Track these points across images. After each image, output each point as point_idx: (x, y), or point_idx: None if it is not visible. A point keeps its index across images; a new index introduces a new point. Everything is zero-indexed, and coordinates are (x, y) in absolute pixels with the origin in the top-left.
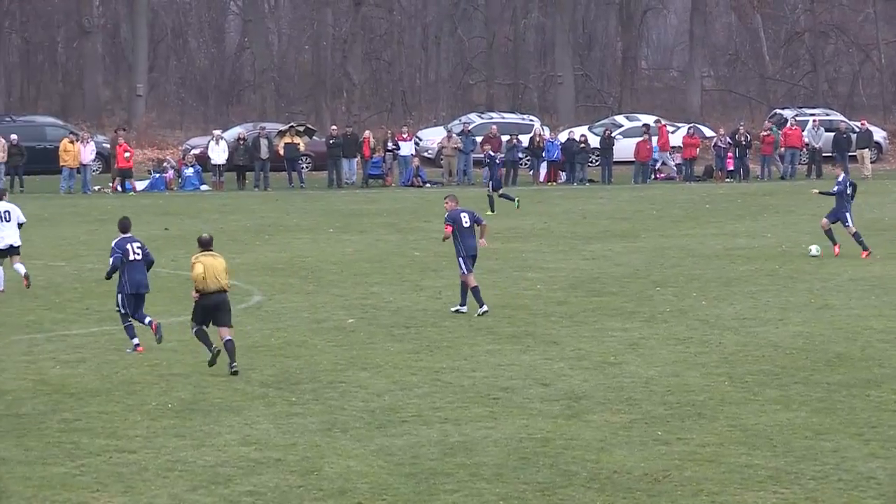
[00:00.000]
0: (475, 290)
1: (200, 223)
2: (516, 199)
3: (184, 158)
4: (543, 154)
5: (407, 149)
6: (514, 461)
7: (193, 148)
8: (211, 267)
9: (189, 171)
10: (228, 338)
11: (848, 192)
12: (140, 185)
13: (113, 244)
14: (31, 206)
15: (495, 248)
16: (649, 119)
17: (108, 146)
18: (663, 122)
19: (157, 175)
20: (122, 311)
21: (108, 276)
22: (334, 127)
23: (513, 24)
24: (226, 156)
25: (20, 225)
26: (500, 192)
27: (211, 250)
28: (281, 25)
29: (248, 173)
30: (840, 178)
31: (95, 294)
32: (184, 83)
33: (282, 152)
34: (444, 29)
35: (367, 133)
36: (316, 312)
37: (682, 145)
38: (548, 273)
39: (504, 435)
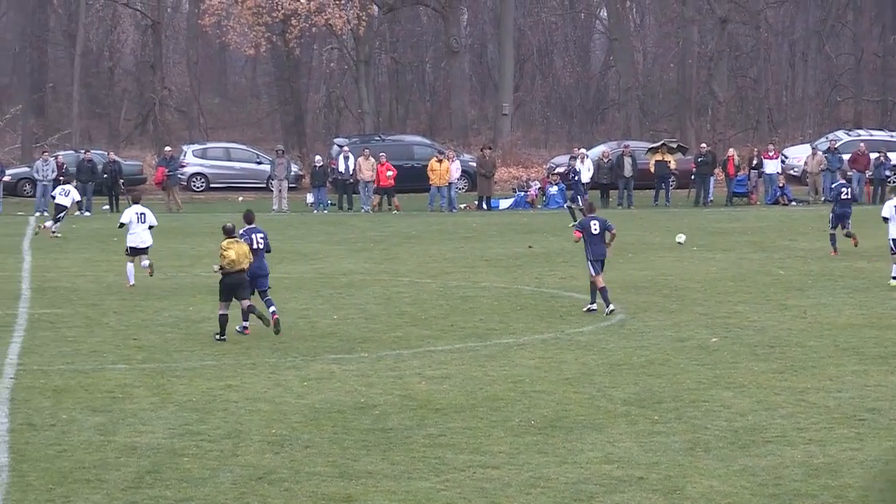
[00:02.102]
0: (603, 291)
1: (563, 241)
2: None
3: (548, 177)
4: None
5: (772, 167)
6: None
7: (558, 166)
8: (238, 252)
9: (553, 190)
10: (249, 304)
11: None
12: (504, 204)
13: (240, 232)
14: (398, 224)
15: (861, 267)
16: None
17: (475, 165)
18: None
19: (521, 193)
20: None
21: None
22: (704, 145)
23: (882, 41)
24: (590, 174)
25: (151, 227)
26: (572, 204)
27: (234, 237)
28: (646, 44)
29: (611, 191)
30: None
31: (460, 311)
32: (549, 102)
33: (652, 169)
34: (812, 46)
35: (731, 151)
36: (679, 331)
37: None
38: None
39: (870, 457)
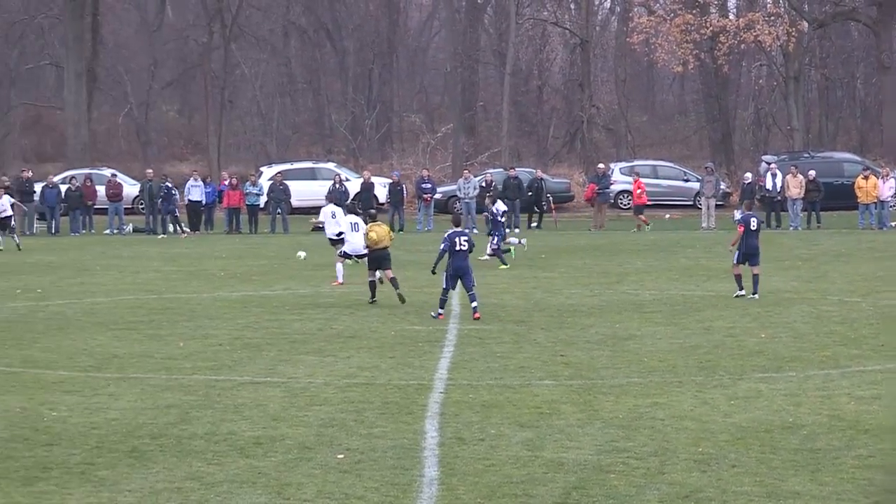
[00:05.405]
0: (739, 278)
1: None
2: (507, 263)
3: None
4: None
5: None
6: None
7: None
8: (379, 233)
9: None
10: (392, 276)
11: None
12: None
13: (445, 235)
14: (827, 243)
15: None
16: None
17: None
18: None
19: None
20: (445, 287)
21: (436, 263)
22: None
23: None
24: None
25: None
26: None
27: (377, 222)
28: None
29: None
30: None
31: (892, 330)
32: None
33: None
34: None
35: None
36: None
37: None
38: None
39: None
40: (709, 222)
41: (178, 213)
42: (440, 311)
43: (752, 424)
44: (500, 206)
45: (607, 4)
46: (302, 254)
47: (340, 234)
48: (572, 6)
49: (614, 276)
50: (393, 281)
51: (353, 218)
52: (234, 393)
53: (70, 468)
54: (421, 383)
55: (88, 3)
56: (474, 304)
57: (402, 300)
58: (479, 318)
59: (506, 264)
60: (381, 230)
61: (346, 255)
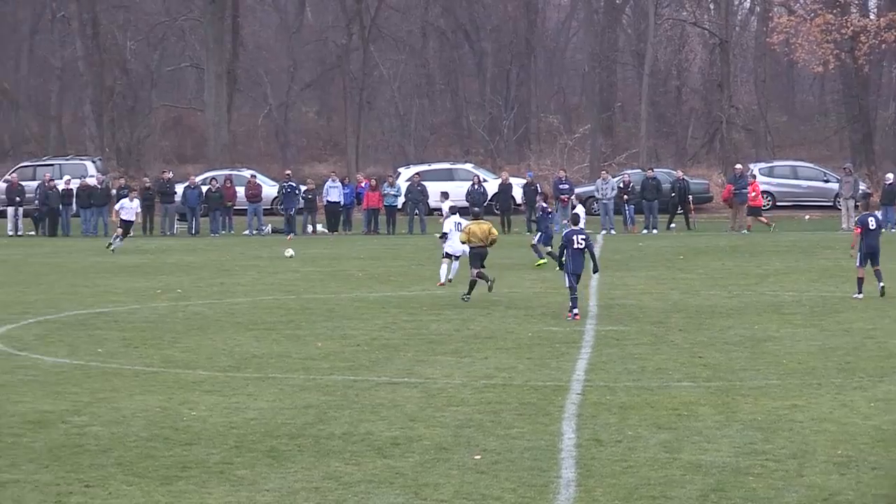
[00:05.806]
0: (861, 281)
1: None
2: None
3: None
4: None
5: None
6: None
7: None
8: (475, 232)
9: None
10: (477, 273)
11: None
12: None
13: (563, 234)
14: None
15: None
16: None
17: None
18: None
19: None
20: (568, 285)
21: (559, 262)
22: None
23: None
24: None
25: None
26: (549, 250)
27: (480, 220)
28: None
29: None
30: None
31: None
32: None
33: None
34: None
35: None
36: None
37: None
38: None
39: None
40: (849, 223)
41: (292, 212)
42: (574, 311)
43: (892, 427)
44: (581, 209)
45: (747, 4)
46: (289, 251)
47: (445, 234)
48: (711, 6)
49: (753, 278)
50: (479, 275)
51: (456, 218)
52: (371, 393)
53: (209, 467)
54: (558, 384)
55: (229, 5)
56: (576, 295)
57: (490, 287)
58: (569, 318)
59: (542, 258)
60: (477, 229)
61: (447, 255)
